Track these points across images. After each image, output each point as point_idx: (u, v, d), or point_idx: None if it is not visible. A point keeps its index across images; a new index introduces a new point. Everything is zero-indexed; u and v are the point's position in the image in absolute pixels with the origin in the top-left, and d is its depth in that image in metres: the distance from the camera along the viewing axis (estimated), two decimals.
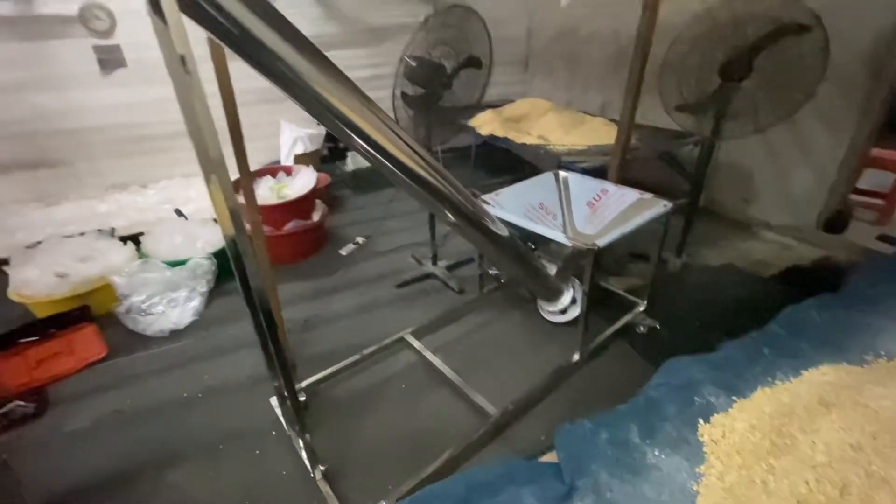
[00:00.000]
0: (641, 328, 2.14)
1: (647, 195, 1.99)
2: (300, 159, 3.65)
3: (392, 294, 2.53)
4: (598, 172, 2.29)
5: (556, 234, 1.71)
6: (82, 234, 2.68)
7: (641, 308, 2.19)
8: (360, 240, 3.10)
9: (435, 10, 2.02)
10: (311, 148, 3.76)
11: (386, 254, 2.96)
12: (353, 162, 3.85)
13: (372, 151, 1.23)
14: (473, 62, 2.06)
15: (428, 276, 2.65)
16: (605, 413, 1.55)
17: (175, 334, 2.23)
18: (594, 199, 2.14)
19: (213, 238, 2.60)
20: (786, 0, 1.93)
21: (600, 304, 2.26)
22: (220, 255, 2.54)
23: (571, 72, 4.33)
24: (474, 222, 1.54)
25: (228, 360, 2.06)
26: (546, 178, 2.23)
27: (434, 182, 1.37)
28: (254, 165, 1.96)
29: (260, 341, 1.31)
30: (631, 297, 2.28)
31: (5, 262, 2.39)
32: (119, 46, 3.39)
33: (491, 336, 2.19)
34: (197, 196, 3.36)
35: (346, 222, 3.39)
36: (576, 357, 1.91)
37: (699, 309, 2.29)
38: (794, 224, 2.92)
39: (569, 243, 1.67)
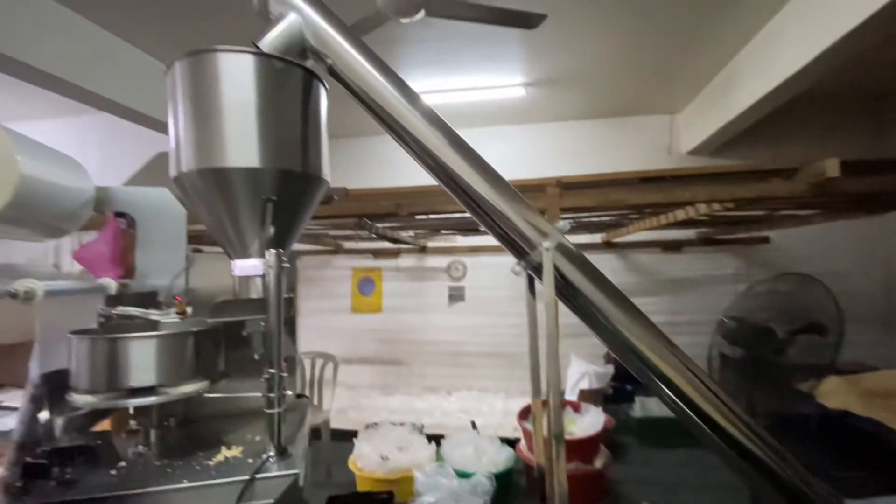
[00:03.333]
0: None
1: None
2: (584, 395, 3.68)
3: None
4: None
5: None
6: (402, 424, 3.31)
7: None
8: None
9: (747, 269, 1.97)
10: (596, 385, 3.76)
11: None
12: (642, 408, 3.57)
13: (678, 402, 1.16)
14: (814, 328, 1.80)
15: None
16: None
17: None
18: None
19: (497, 457, 2.74)
20: None
21: None
22: (499, 478, 2.61)
23: None
24: None
25: None
26: None
27: (765, 458, 1.11)
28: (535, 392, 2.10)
29: None
30: None
31: (355, 434, 3.15)
32: (464, 287, 4.67)
33: None
34: (487, 411, 3.76)
35: (629, 478, 2.98)
36: None
37: None
38: None
39: None
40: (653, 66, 3.38)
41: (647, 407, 3.55)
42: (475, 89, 3.70)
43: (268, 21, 1.17)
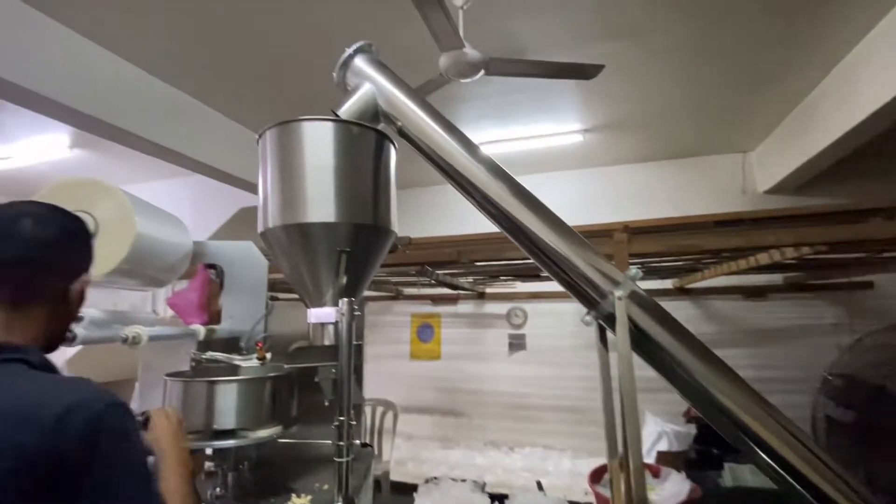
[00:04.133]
0: None
1: None
2: (662, 458, 3.33)
3: None
4: None
5: None
6: (464, 480, 3.16)
7: None
8: None
9: (849, 319, 1.74)
10: (676, 447, 3.40)
11: None
12: (733, 476, 3.15)
13: (780, 470, 1.02)
14: None
15: None
16: None
17: None
18: None
19: None
20: None
21: None
22: None
23: None
24: None
25: None
26: None
27: None
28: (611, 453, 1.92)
29: None
30: None
31: (414, 488, 3.05)
32: (525, 335, 4.53)
33: None
34: (554, 470, 3.50)
35: None
36: None
37: None
38: None
39: None
40: (719, 107, 3.27)
41: (738, 475, 3.13)
42: (533, 138, 3.77)
43: (345, 91, 1.30)
